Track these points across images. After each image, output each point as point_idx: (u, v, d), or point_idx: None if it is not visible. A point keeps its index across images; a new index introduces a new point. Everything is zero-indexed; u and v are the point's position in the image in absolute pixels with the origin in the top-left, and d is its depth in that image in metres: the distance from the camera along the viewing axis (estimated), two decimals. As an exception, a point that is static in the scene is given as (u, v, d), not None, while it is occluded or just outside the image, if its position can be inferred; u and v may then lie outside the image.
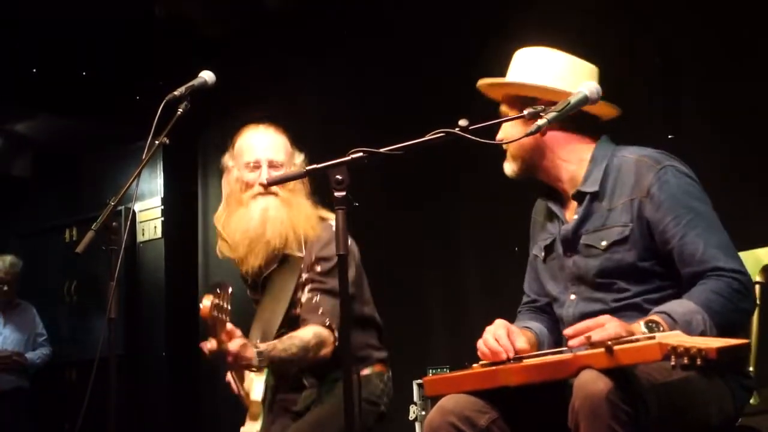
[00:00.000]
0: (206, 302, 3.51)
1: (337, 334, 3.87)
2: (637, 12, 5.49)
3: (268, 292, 4.13)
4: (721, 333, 2.84)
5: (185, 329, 8.29)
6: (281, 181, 3.52)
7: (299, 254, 4.04)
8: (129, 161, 8.45)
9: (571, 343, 2.83)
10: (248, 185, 4.10)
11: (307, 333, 3.84)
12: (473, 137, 2.88)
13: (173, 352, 8.32)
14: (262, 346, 3.74)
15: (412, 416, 5.67)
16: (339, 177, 2.91)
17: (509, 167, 3.41)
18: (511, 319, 3.32)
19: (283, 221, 4.02)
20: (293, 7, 7.20)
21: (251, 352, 3.69)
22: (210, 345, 3.65)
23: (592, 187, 3.24)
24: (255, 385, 3.95)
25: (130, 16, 7.34)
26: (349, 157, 3.00)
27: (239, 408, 4.00)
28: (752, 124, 4.99)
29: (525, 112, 3.01)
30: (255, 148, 4.12)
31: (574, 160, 3.33)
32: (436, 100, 6.15)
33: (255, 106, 7.25)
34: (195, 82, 3.89)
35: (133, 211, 8.26)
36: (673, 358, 2.52)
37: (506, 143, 2.92)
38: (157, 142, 3.71)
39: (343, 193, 2.91)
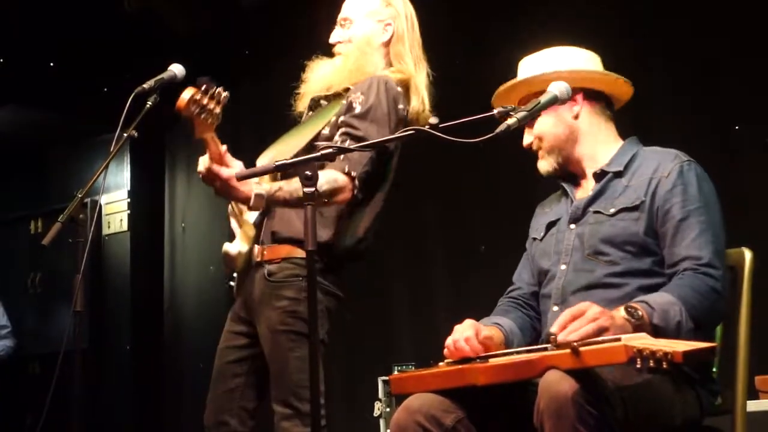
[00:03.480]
0: (185, 94, 3.46)
1: (357, 183, 3.76)
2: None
3: (311, 118, 4.07)
4: (696, 327, 2.90)
5: (150, 323, 8.28)
6: (252, 176, 3.50)
7: (346, 93, 3.99)
8: (96, 153, 8.41)
9: (560, 338, 2.83)
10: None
11: (321, 178, 3.55)
12: (444, 135, 2.89)
13: (138, 345, 8.29)
14: (265, 187, 3.67)
15: (376, 413, 5.67)
16: (309, 173, 2.91)
17: (547, 164, 3.44)
18: (477, 315, 3.32)
19: (334, 72, 4.06)
20: (265, 3, 7.19)
21: (248, 188, 3.64)
22: (202, 164, 3.63)
23: (616, 167, 3.32)
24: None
25: (99, 8, 7.30)
26: (319, 153, 3.01)
27: (203, 403, 3.99)
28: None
29: (494, 111, 3.01)
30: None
31: (604, 144, 3.41)
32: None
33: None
34: (165, 75, 3.88)
35: (100, 203, 8.22)
36: (638, 360, 2.54)
37: (480, 141, 2.90)
38: (125, 134, 3.70)
39: (313, 189, 2.91)
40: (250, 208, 3.75)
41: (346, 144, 3.73)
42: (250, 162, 3.85)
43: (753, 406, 3.93)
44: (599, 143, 3.41)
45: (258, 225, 3.96)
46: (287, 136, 4.02)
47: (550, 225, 3.46)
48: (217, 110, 3.61)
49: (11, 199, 9.36)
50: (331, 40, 4.15)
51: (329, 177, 3.70)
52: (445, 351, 3.13)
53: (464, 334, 3.10)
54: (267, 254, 3.90)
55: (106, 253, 8.55)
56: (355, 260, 4.00)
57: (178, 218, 8.37)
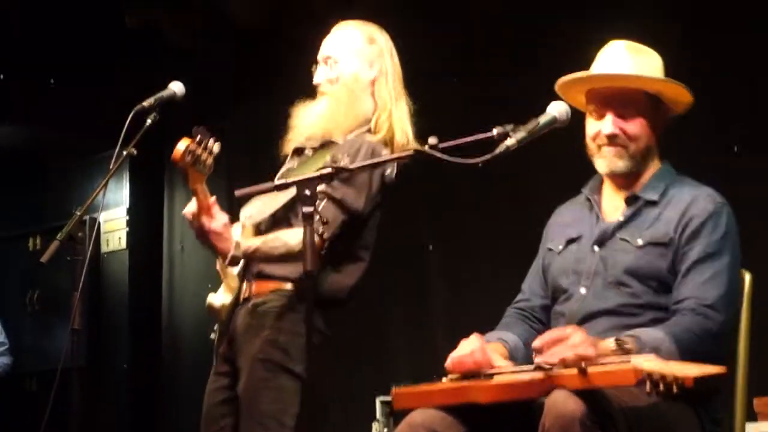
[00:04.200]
0: (181, 145, 3.48)
1: (326, 244, 3.76)
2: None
3: (298, 167, 4.05)
4: None
5: (148, 342, 8.26)
6: (250, 194, 3.51)
7: (332, 146, 3.97)
8: (95, 171, 8.39)
9: (537, 360, 2.83)
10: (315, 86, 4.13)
11: (295, 238, 3.64)
12: (442, 156, 2.89)
13: (135, 364, 8.26)
14: (243, 246, 3.72)
15: (374, 434, 5.66)
16: (308, 192, 2.91)
17: (624, 165, 3.31)
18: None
19: (324, 116, 4.01)
20: (263, 22, 7.19)
21: (227, 246, 3.70)
22: (189, 210, 3.67)
23: (652, 196, 3.28)
24: None
25: (100, 25, 7.30)
26: (318, 173, 3.01)
27: (200, 421, 3.97)
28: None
29: (493, 131, 3.00)
30: (321, 47, 4.13)
31: (648, 166, 3.36)
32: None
33: (225, 119, 7.24)
34: (164, 93, 3.89)
35: (98, 221, 8.21)
36: (648, 384, 2.52)
37: (479, 162, 2.90)
38: (124, 152, 3.70)
39: (311, 209, 2.91)
40: (228, 264, 3.78)
41: (322, 204, 3.74)
42: (242, 182, 3.85)
43: (752, 428, 3.92)
44: (646, 165, 3.35)
45: (241, 272, 3.98)
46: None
47: (571, 241, 3.41)
48: (209, 161, 3.65)
49: (10, 216, 9.34)
50: (316, 80, 4.09)
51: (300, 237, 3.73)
52: (449, 364, 3.11)
53: (470, 346, 3.09)
54: (255, 289, 3.93)
55: (104, 270, 8.53)
56: (335, 308, 3.96)
57: (177, 237, 8.36)
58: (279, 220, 3.90)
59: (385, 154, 3.89)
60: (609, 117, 3.30)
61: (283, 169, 4.11)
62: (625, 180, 3.36)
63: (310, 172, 3.82)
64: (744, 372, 3.20)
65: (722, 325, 3.04)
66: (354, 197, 3.82)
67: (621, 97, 3.32)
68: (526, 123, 3.03)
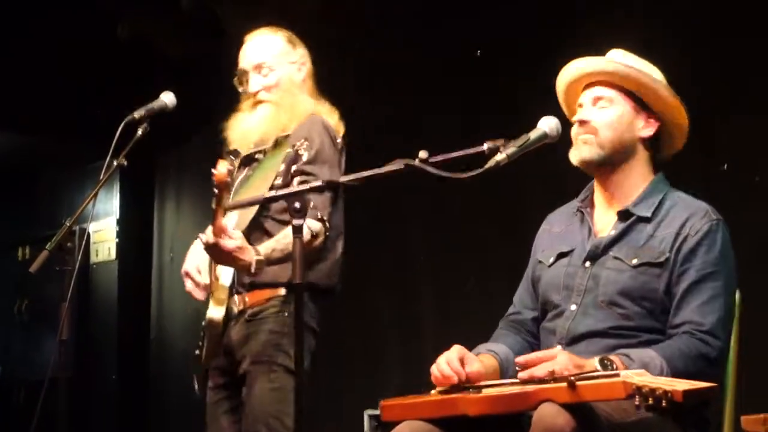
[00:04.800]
0: (222, 168, 3.47)
1: (327, 225, 3.89)
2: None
3: (255, 168, 4.12)
4: None
5: (136, 352, 8.25)
6: (236, 208, 3.53)
7: (286, 140, 4.06)
8: (85, 181, 8.39)
9: (520, 375, 2.83)
10: (246, 96, 4.20)
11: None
12: (432, 170, 2.89)
13: (124, 375, 8.25)
14: (262, 251, 3.72)
15: (362, 447, 5.64)
16: (297, 205, 2.91)
17: (589, 152, 3.30)
18: (466, 346, 3.29)
19: (271, 120, 4.09)
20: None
21: (250, 257, 3.68)
22: (207, 237, 3.62)
23: (644, 212, 3.25)
24: (225, 270, 3.95)
25: (91, 36, 7.30)
26: (307, 186, 3.01)
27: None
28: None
29: (484, 146, 3.00)
30: (241, 59, 4.22)
31: (640, 178, 3.34)
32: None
33: (216, 130, 7.22)
34: (155, 104, 3.90)
35: (88, 231, 8.19)
36: (637, 398, 2.52)
37: (469, 176, 2.90)
38: (115, 163, 3.70)
39: (301, 222, 2.91)
40: (253, 275, 3.75)
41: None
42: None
43: (740, 445, 3.92)
44: (638, 176, 3.34)
45: (231, 283, 3.99)
46: (236, 195, 4.05)
47: (562, 255, 3.39)
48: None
49: (-1, 226, 9.34)
50: (252, 89, 4.16)
51: (308, 226, 3.77)
52: (432, 377, 3.11)
53: (447, 357, 3.08)
54: (249, 300, 3.97)
55: (93, 281, 8.51)
56: (328, 299, 4.07)
57: (167, 248, 8.35)
58: (254, 227, 3.95)
59: (332, 125, 4.09)
60: (585, 106, 3.35)
61: (237, 180, 4.14)
62: (605, 180, 3.35)
63: (270, 176, 3.89)
64: (733, 390, 3.20)
65: (720, 351, 3.04)
66: (329, 174, 3.91)
67: (597, 88, 3.35)
68: (516, 138, 3.03)
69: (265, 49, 4.18)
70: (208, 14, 6.91)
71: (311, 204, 3.81)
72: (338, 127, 4.16)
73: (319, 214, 3.86)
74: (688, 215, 3.20)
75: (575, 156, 3.34)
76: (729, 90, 4.84)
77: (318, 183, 3.09)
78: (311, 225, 3.80)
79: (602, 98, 3.33)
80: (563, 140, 3.29)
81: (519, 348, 3.37)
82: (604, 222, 3.36)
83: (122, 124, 3.72)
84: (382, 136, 5.52)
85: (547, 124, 3.09)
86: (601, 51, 3.48)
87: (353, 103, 4.30)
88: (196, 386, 4.09)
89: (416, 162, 2.91)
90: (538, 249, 3.54)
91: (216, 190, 3.51)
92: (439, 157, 2.92)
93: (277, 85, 4.13)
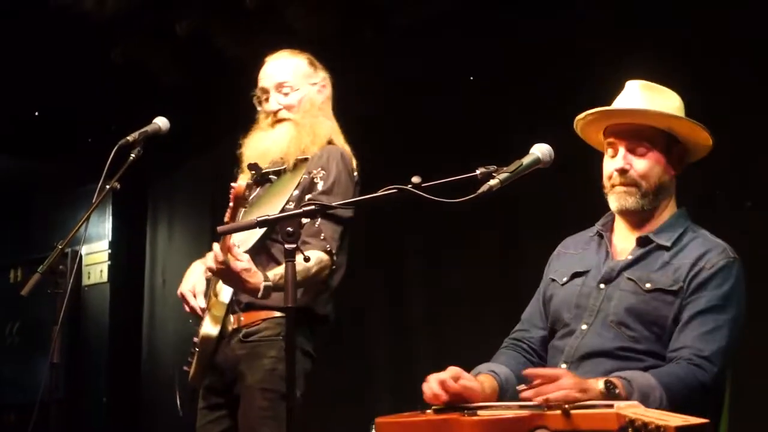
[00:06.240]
0: (242, 182, 3.51)
1: (334, 258, 3.89)
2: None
3: (267, 190, 4.10)
4: None
5: (127, 375, 8.23)
6: (233, 231, 3.52)
7: (303, 164, 4.06)
8: (78, 203, 8.38)
9: (523, 395, 2.83)
10: (266, 114, 4.20)
11: (311, 260, 3.70)
12: (426, 195, 2.89)
13: (114, 398, 8.23)
14: (271, 277, 3.69)
15: (355, 469, 5.62)
16: (290, 229, 2.92)
17: (634, 203, 3.32)
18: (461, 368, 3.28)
19: (291, 139, 4.08)
20: (250, 57, 7.20)
21: (258, 280, 3.65)
22: (216, 254, 3.60)
23: (664, 241, 3.28)
24: (226, 288, 3.94)
25: (85, 59, 7.31)
26: (300, 210, 3.01)
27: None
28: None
29: (477, 171, 3.01)
30: (262, 78, 4.23)
31: (665, 208, 3.38)
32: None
33: (208, 155, 7.24)
34: (149, 128, 3.90)
35: (80, 254, 8.19)
36: (629, 430, 2.52)
37: (462, 201, 2.90)
38: (107, 186, 3.70)
39: (294, 246, 2.92)
40: (260, 298, 3.72)
41: (318, 222, 3.89)
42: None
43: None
44: (664, 207, 3.38)
45: (230, 302, 3.98)
46: (246, 214, 4.03)
47: (577, 274, 3.41)
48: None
49: (-9, 248, 9.33)
50: (272, 108, 4.17)
51: (317, 258, 3.80)
52: (424, 396, 3.10)
53: (439, 377, 3.06)
54: (245, 320, 3.95)
55: (85, 303, 8.51)
56: (323, 325, 4.06)
57: (159, 271, 8.35)
58: (259, 249, 3.94)
59: (351, 158, 4.09)
60: (620, 152, 3.34)
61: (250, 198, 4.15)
62: (636, 218, 3.37)
63: (282, 199, 3.88)
64: (725, 425, 3.20)
65: (715, 378, 3.03)
66: (342, 208, 3.89)
67: (632, 133, 3.34)
68: (509, 163, 3.04)
69: (287, 68, 4.20)
70: (204, 40, 6.91)
71: (321, 235, 3.87)
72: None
73: (328, 246, 3.88)
74: (706, 250, 3.22)
75: (618, 205, 3.36)
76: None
77: (310, 207, 3.08)
78: (320, 257, 3.83)
79: (640, 146, 3.33)
80: (564, 170, 3.32)
81: (521, 369, 3.34)
82: (623, 246, 3.38)
83: (116, 148, 3.72)
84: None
85: (540, 150, 3.10)
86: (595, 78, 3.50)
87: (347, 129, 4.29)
88: (179, 403, 4.06)
89: (409, 187, 2.91)
90: (552, 269, 3.55)
91: (231, 204, 3.50)
92: (432, 183, 2.93)
93: (298, 105, 4.15)
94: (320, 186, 3.96)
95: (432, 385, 3.04)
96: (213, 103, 7.62)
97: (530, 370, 2.91)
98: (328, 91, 4.26)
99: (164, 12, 6.82)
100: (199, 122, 7.31)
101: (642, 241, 3.32)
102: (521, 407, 2.88)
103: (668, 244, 3.27)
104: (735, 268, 3.19)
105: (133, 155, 3.77)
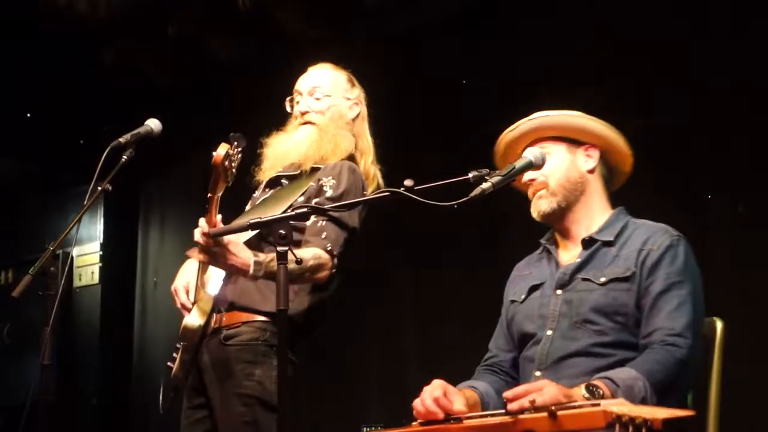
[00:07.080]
0: (221, 149, 3.45)
1: (336, 261, 3.84)
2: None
3: (275, 193, 4.10)
4: (660, 400, 2.90)
5: (118, 378, 8.21)
6: (224, 234, 3.49)
7: (316, 173, 4.05)
8: (70, 205, 8.38)
9: (510, 406, 2.83)
10: (294, 116, 4.24)
11: (307, 253, 3.73)
12: (418, 198, 2.89)
13: (105, 400, 8.22)
14: (261, 256, 3.65)
15: (344, 475, 5.63)
16: (282, 232, 2.91)
17: (547, 204, 3.43)
18: (448, 375, 3.29)
19: (312, 143, 4.10)
20: (242, 59, 7.21)
21: (246, 255, 3.61)
22: (203, 228, 3.56)
23: (607, 237, 3.35)
24: (214, 279, 3.92)
25: (78, 60, 7.31)
26: (293, 212, 3.01)
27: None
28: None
29: (469, 175, 3.01)
30: (299, 82, 4.28)
31: (599, 212, 3.44)
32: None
33: (200, 157, 7.22)
34: (141, 129, 3.90)
35: (71, 255, 8.17)
36: (617, 426, 2.52)
37: (454, 205, 2.91)
38: (99, 188, 3.69)
39: (286, 249, 2.91)
40: (249, 276, 3.67)
41: (322, 224, 3.87)
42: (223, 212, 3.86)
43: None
44: (597, 209, 3.45)
45: (216, 297, 3.95)
46: (247, 214, 4.02)
47: (533, 288, 3.46)
48: (234, 171, 3.60)
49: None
50: (301, 109, 4.19)
51: (314, 253, 3.77)
52: (414, 412, 3.10)
53: (433, 394, 3.06)
54: (225, 320, 3.92)
55: (76, 305, 8.48)
56: (308, 333, 4.01)
57: (150, 272, 8.34)
58: (252, 247, 3.87)
59: (363, 177, 4.06)
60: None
61: (255, 198, 4.14)
62: (561, 223, 3.46)
63: (286, 203, 3.87)
64: (715, 418, 3.21)
65: (690, 350, 3.06)
66: (348, 215, 3.91)
67: (532, 148, 3.40)
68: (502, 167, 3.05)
69: (325, 76, 4.25)
70: (196, 42, 6.91)
71: (323, 234, 3.84)
72: (372, 180, 4.18)
73: (329, 245, 3.84)
74: (650, 234, 3.30)
75: (535, 212, 3.46)
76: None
77: (303, 210, 3.08)
78: (319, 254, 3.80)
79: (544, 150, 3.40)
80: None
81: (498, 386, 3.41)
82: (570, 254, 3.44)
83: (108, 149, 3.72)
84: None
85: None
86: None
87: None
88: (161, 401, 4.04)
89: (402, 190, 2.91)
90: (510, 293, 3.61)
91: (213, 175, 3.47)
92: (425, 186, 2.93)
93: (327, 112, 4.17)
94: (328, 193, 3.94)
95: (428, 403, 3.03)
96: (205, 105, 7.62)
97: (510, 392, 2.91)
98: (361, 109, 4.28)
99: (157, 14, 6.82)
100: (191, 124, 7.30)
101: (587, 243, 3.38)
102: (507, 414, 2.89)
103: (611, 238, 3.34)
104: (682, 245, 3.26)
105: (125, 157, 3.77)
